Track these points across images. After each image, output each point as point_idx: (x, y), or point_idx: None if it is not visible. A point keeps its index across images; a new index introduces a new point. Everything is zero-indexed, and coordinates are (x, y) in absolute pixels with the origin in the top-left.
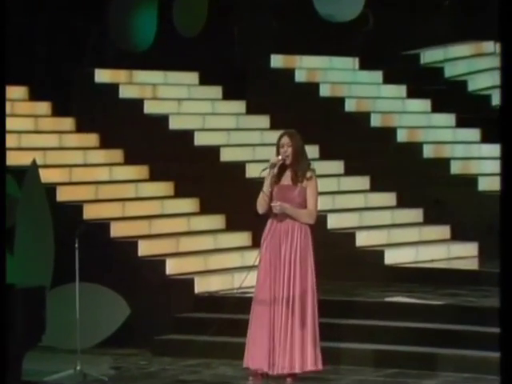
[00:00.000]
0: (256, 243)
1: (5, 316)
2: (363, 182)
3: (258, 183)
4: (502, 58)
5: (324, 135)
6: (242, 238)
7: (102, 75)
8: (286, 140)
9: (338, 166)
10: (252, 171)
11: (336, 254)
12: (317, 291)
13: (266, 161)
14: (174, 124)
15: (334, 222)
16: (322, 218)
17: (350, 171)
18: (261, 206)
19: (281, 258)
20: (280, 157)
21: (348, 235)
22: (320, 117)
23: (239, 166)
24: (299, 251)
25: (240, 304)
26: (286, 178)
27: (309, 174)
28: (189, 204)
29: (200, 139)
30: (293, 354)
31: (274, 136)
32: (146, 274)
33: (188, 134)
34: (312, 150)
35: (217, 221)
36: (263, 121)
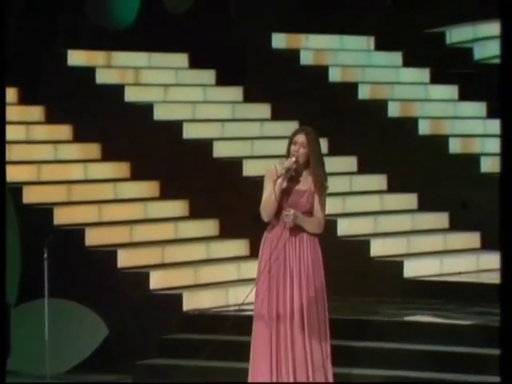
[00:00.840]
0: (254, 252)
1: None
2: (379, 181)
3: (257, 183)
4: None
5: (334, 127)
6: (239, 246)
7: (76, 57)
8: (300, 138)
9: (349, 162)
10: (250, 169)
11: (347, 265)
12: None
13: (266, 157)
14: (160, 114)
15: (344, 227)
16: (331, 223)
17: (363, 169)
18: (267, 213)
19: (286, 273)
20: (294, 158)
21: (361, 243)
22: (329, 105)
23: (235, 163)
24: (310, 266)
25: (236, 324)
26: (295, 181)
27: (326, 183)
28: (176, 207)
29: (190, 131)
30: None
31: (275, 128)
32: (127, 288)
33: (176, 126)
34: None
35: (209, 226)
36: (263, 110)
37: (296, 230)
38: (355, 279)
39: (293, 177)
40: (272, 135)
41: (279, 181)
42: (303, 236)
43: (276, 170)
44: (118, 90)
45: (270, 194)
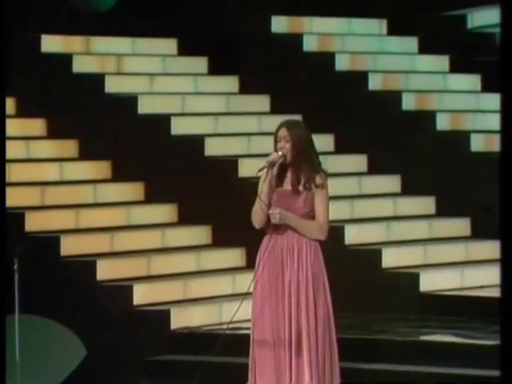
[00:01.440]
0: (251, 263)
1: None
2: (392, 182)
3: (254, 184)
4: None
5: (341, 122)
6: (234, 256)
7: (51, 43)
8: (282, 133)
9: (359, 161)
10: (246, 169)
11: (356, 277)
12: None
13: (265, 155)
14: (145, 107)
15: (353, 235)
16: (337, 230)
17: (374, 169)
18: (257, 218)
19: (284, 285)
20: (280, 152)
21: (372, 253)
22: (336, 98)
23: (230, 163)
24: (311, 277)
25: (231, 343)
26: (289, 181)
27: (318, 181)
28: (163, 212)
29: (178, 127)
30: None
31: (274, 123)
32: (108, 304)
33: (163, 121)
34: (326, 142)
35: (200, 234)
36: (261, 103)
37: (293, 235)
38: (365, 293)
39: (282, 173)
40: (271, 131)
41: (262, 179)
42: (302, 243)
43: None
44: (98, 79)
45: (257, 201)
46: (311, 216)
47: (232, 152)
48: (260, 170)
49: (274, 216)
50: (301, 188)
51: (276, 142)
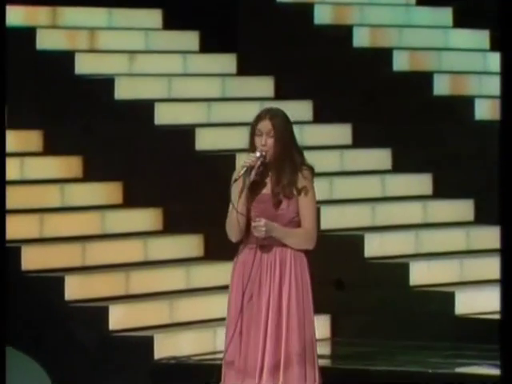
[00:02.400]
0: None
1: None
2: (422, 182)
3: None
4: None
5: (360, 109)
6: (230, 271)
7: (11, 15)
8: (266, 126)
9: (382, 157)
10: None
11: (379, 297)
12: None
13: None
14: (123, 91)
15: (374, 246)
16: (355, 241)
17: (400, 166)
18: (233, 232)
19: (261, 304)
20: (258, 153)
21: (397, 268)
22: (353, 80)
23: (226, 159)
24: (294, 293)
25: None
26: (269, 185)
27: (301, 183)
28: (146, 218)
29: (164, 115)
30: None
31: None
32: (79, 328)
33: (145, 107)
34: (342, 133)
35: (190, 244)
36: (264, 86)
37: (275, 246)
38: (390, 316)
39: (258, 181)
40: None
41: (235, 184)
42: (286, 255)
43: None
44: (67, 58)
45: (230, 211)
46: (296, 222)
47: (229, 146)
48: (239, 178)
49: (258, 229)
50: (281, 192)
51: (253, 136)
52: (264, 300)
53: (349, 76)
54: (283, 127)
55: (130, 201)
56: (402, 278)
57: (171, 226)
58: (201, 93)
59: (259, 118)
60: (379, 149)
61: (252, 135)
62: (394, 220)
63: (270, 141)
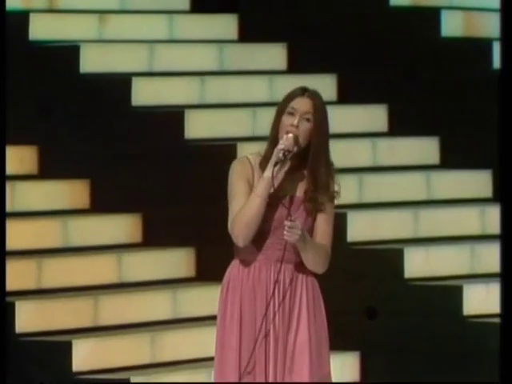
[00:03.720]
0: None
1: None
2: (479, 181)
3: None
4: None
5: (398, 87)
6: None
7: None
8: (305, 105)
9: (428, 147)
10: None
11: (424, 329)
12: None
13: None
14: (91, 62)
15: (418, 263)
16: (394, 256)
17: (452, 159)
18: (247, 229)
19: (269, 344)
20: (291, 134)
21: (448, 292)
22: (389, 48)
23: (224, 150)
24: (306, 324)
25: None
26: (289, 184)
27: (333, 188)
28: (120, 226)
29: (143, 93)
30: None
31: (293, 87)
32: (33, 368)
33: (119, 84)
34: (375, 116)
35: (177, 261)
36: (273, 56)
37: (287, 261)
38: (439, 355)
39: (278, 175)
40: None
41: (267, 174)
42: (297, 274)
43: (250, 164)
44: (20, 20)
45: (252, 198)
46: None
47: (228, 133)
48: (277, 164)
49: (293, 232)
50: (316, 197)
51: (281, 115)
52: (271, 336)
53: (383, 43)
54: (325, 112)
55: (100, 205)
56: (455, 304)
57: (153, 238)
58: (192, 64)
59: (294, 94)
60: (423, 137)
61: (279, 114)
62: (443, 230)
63: (305, 125)
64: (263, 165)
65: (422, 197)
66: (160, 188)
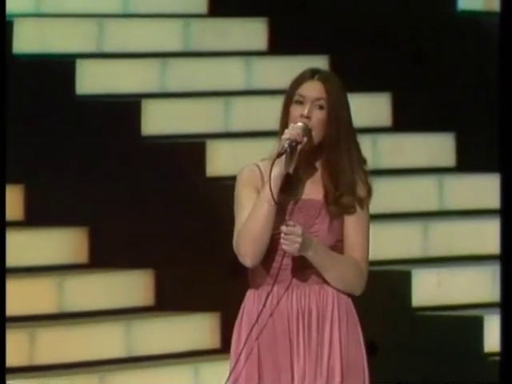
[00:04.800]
0: (229, 339)
1: None
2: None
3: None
4: None
5: (405, 71)
6: (199, 327)
7: None
8: (312, 88)
9: (441, 145)
10: (223, 160)
11: (438, 368)
12: None
13: (257, 134)
14: (26, 39)
15: (429, 288)
16: (400, 279)
17: (469, 160)
18: (254, 244)
19: (293, 379)
20: (300, 123)
21: (467, 324)
22: (392, 27)
23: (191, 148)
24: (340, 366)
25: None
26: (309, 184)
27: (362, 191)
28: (60, 243)
29: (90, 78)
30: None
31: (278, 73)
32: None
33: (58, 66)
34: (376, 107)
35: (133, 286)
36: (251, 33)
37: (309, 285)
38: None
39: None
40: (271, 88)
41: (276, 172)
42: (327, 301)
43: (260, 171)
44: None
45: (257, 206)
46: (338, 248)
47: (195, 129)
48: (279, 156)
49: (291, 239)
50: (340, 201)
51: (289, 105)
52: (296, 378)
53: (384, 18)
54: (342, 97)
55: (36, 217)
56: (474, 340)
57: (102, 257)
58: (150, 44)
59: (302, 78)
60: (436, 133)
61: (286, 104)
62: (459, 247)
63: (318, 114)
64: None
65: (434, 206)
66: (111, 196)
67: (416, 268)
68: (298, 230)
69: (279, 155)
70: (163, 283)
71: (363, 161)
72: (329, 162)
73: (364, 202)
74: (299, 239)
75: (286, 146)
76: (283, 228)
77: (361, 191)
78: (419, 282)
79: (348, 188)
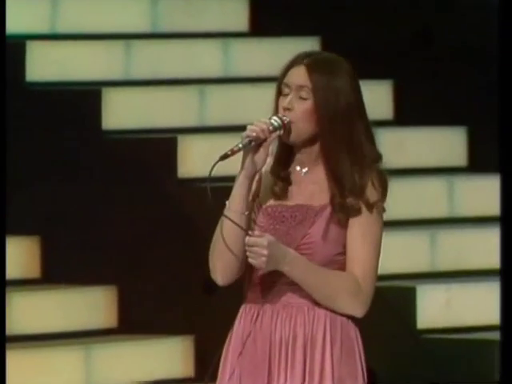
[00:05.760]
0: (204, 367)
1: None
2: None
3: (217, 191)
4: None
5: (405, 57)
6: (174, 350)
7: None
8: (296, 75)
9: (450, 142)
10: (198, 158)
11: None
12: None
13: (237, 128)
14: None
15: (437, 307)
16: (404, 296)
17: (482, 160)
18: (219, 257)
19: None
20: (276, 118)
21: (480, 346)
22: (396, 8)
23: (159, 144)
24: None
25: None
26: (300, 187)
27: (373, 194)
28: (13, 254)
29: (43, 64)
30: None
31: (262, 56)
32: None
33: (7, 50)
34: (377, 97)
35: (91, 304)
36: (231, 11)
37: (296, 307)
38: None
39: (283, 166)
40: (254, 76)
41: (242, 175)
42: (317, 326)
43: (259, 174)
44: None
45: (223, 216)
46: (339, 263)
47: (164, 122)
48: (223, 158)
49: (255, 252)
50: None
51: (278, 97)
52: None
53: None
54: (334, 84)
55: None
56: (489, 367)
57: (56, 271)
58: (113, 24)
59: (291, 63)
60: (444, 127)
61: (276, 96)
62: (470, 260)
63: (303, 104)
64: (275, 169)
65: (442, 212)
66: (66, 201)
67: (422, 284)
68: (264, 240)
69: (223, 157)
70: (127, 302)
71: (376, 158)
72: (328, 162)
73: (374, 207)
74: (265, 251)
75: (241, 145)
76: (246, 239)
77: (370, 194)
78: (425, 299)
79: (354, 191)
